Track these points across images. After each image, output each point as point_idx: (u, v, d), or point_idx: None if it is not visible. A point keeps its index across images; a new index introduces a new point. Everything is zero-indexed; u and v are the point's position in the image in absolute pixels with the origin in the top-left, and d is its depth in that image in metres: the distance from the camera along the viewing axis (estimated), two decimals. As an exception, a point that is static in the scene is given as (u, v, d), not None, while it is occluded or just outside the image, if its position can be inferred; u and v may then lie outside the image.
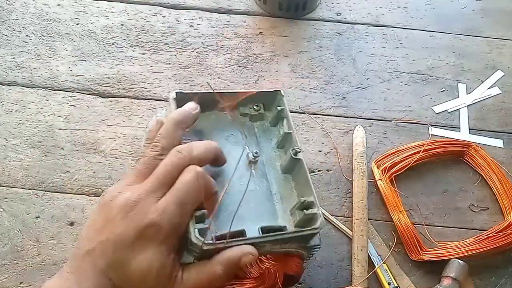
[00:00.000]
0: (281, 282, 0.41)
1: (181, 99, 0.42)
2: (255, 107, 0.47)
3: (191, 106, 0.40)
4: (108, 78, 0.67)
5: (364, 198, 0.57)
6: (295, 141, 0.45)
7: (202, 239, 0.34)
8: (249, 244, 0.36)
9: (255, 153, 0.44)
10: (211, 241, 0.35)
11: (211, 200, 0.37)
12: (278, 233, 0.38)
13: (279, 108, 0.46)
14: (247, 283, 0.39)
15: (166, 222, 0.33)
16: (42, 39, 0.70)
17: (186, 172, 0.34)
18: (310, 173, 0.60)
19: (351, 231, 0.55)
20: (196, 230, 0.35)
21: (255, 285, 0.41)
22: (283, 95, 0.47)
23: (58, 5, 0.75)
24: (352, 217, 0.56)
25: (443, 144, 0.61)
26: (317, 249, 0.43)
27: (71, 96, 0.65)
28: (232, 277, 0.38)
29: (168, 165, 0.35)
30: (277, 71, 0.70)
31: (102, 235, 0.33)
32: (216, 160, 0.40)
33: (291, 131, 0.45)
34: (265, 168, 0.45)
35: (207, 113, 0.45)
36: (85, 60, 0.69)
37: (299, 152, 0.43)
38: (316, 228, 0.39)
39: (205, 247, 0.34)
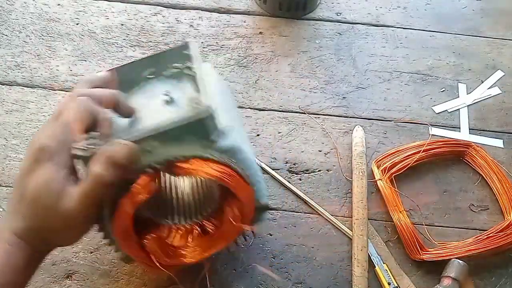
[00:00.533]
0: (234, 216, 0.41)
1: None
2: (174, 66, 0.45)
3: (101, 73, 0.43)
4: (108, 78, 0.67)
5: (364, 198, 0.57)
6: (194, 63, 0.42)
7: (84, 150, 0.36)
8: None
9: (166, 92, 0.42)
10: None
11: (105, 125, 0.38)
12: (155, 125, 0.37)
13: (185, 52, 0.44)
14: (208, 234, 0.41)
15: (53, 141, 0.36)
16: (42, 39, 0.70)
17: (69, 100, 0.38)
18: (310, 173, 0.60)
19: (351, 231, 0.55)
20: (82, 144, 0.36)
21: (216, 234, 0.42)
22: (189, 45, 0.44)
23: (58, 5, 0.75)
24: (352, 217, 0.56)
25: (443, 144, 0.61)
26: (235, 154, 0.40)
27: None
28: (121, 175, 0.36)
29: (61, 104, 0.39)
30: (277, 71, 0.70)
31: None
32: (119, 106, 0.40)
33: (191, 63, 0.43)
34: (184, 105, 0.42)
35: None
36: (85, 60, 0.69)
37: (190, 67, 0.42)
38: (197, 110, 0.37)
39: (78, 153, 0.36)
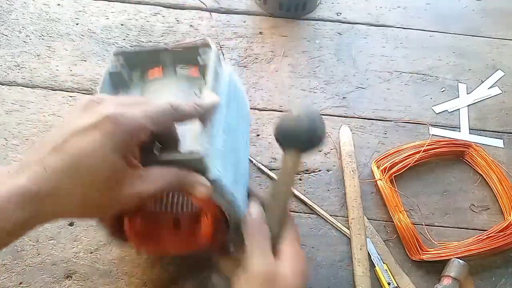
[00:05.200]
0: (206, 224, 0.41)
1: (120, 54, 0.43)
2: (185, 66, 0.46)
3: None
4: (108, 78, 0.67)
5: (358, 196, 0.57)
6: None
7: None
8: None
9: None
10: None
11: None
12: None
13: (200, 59, 0.44)
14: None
15: (125, 118, 0.31)
16: (42, 39, 0.70)
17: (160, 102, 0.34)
18: (310, 173, 0.60)
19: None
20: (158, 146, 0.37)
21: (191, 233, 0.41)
22: (208, 46, 0.44)
23: (58, 5, 0.75)
24: (348, 217, 0.56)
25: (443, 144, 0.61)
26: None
27: (71, 96, 0.65)
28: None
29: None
30: (277, 71, 0.70)
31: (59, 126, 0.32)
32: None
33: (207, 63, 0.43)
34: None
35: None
36: (85, 60, 0.69)
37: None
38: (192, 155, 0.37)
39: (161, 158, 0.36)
